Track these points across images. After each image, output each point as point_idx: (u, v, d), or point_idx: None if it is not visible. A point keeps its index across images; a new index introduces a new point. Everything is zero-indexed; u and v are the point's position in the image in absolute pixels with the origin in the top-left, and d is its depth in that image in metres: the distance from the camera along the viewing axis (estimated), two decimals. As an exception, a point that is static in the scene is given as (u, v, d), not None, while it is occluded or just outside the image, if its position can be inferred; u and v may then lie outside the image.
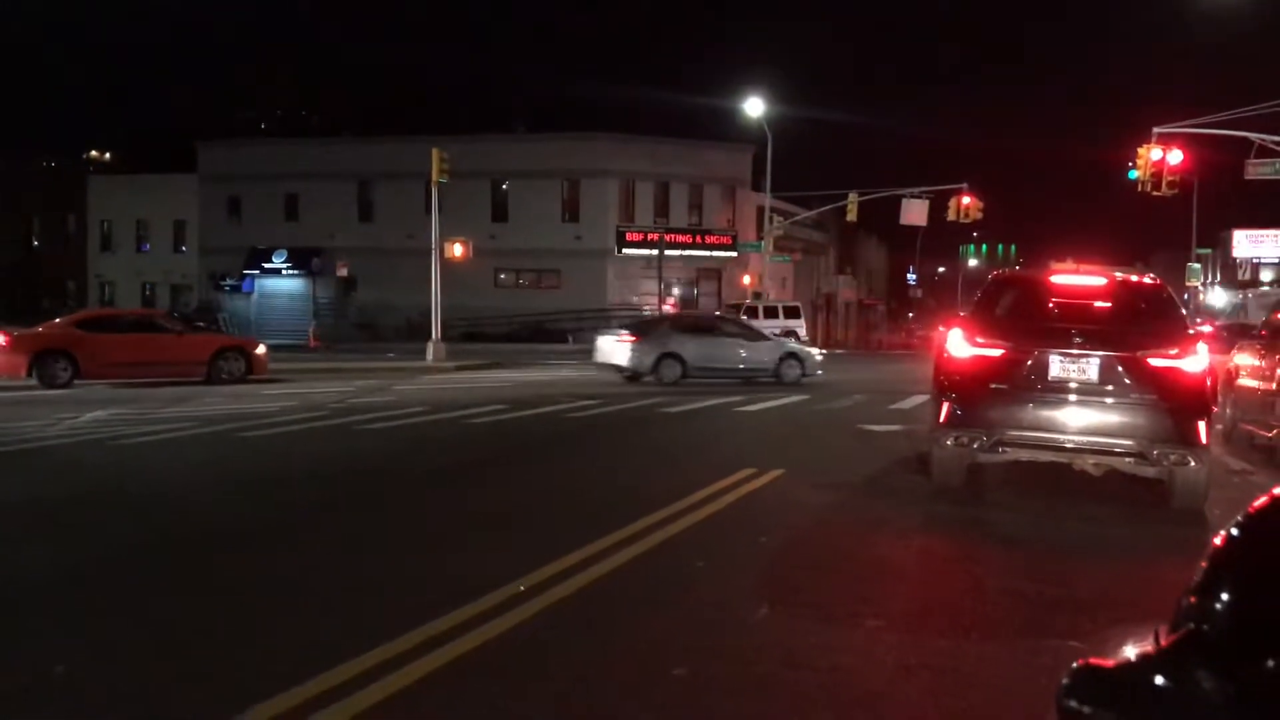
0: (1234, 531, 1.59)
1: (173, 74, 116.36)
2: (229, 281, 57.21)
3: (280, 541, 7.86)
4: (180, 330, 24.30)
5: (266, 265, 56.44)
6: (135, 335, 23.08)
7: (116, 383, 22.21)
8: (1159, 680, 1.38)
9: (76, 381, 21.71)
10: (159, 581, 6.68)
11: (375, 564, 7.11)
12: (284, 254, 55.96)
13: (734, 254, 53.58)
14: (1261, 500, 1.63)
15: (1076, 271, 10.29)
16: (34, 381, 21.47)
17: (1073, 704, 1.35)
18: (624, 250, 52.77)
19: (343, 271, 52.30)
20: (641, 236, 52.29)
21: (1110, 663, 1.42)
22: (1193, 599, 1.52)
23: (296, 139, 61.01)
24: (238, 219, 58.37)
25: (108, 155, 77.81)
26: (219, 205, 58.76)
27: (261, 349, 24.34)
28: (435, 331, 33.39)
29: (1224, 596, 1.49)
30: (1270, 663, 1.35)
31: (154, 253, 63.24)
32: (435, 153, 32.71)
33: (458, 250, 35.83)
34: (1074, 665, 1.40)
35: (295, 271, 56.10)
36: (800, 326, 41.22)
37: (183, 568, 7.06)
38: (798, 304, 46.78)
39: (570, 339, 48.52)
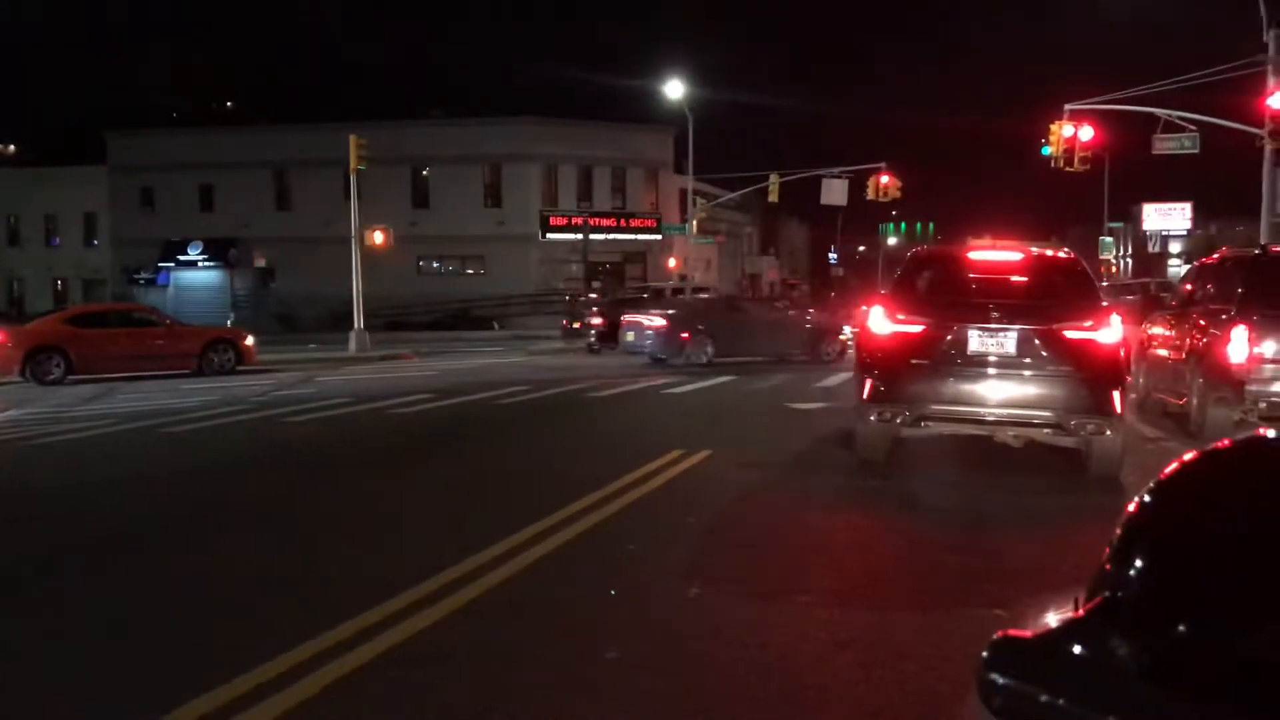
0: (1146, 499, 1.61)
1: (80, 64, 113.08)
2: (143, 275, 55.71)
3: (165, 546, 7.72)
4: (170, 324, 24.51)
5: (181, 257, 55.12)
6: (126, 329, 23.36)
7: (108, 377, 22.04)
8: (1075, 649, 1.39)
9: (70, 378, 21.78)
10: (99, 577, 6.53)
11: (290, 564, 7.01)
12: (199, 245, 54.68)
13: (658, 237, 53.63)
14: (1172, 467, 1.66)
15: (993, 247, 10.46)
16: (23, 379, 21.58)
17: (993, 677, 1.36)
18: (548, 235, 52.51)
19: (260, 262, 51.33)
20: (565, 221, 52.07)
21: (1028, 634, 1.43)
22: (1107, 566, 1.54)
23: (209, 128, 59.52)
24: (151, 210, 56.90)
25: (11, 148, 75.22)
26: (131, 197, 57.18)
27: (250, 340, 24.70)
28: (358, 321, 32.98)
29: (1137, 563, 1.51)
30: (1181, 628, 1.37)
31: (64, 247, 61.42)
32: (353, 139, 32.28)
33: (378, 238, 35.35)
34: (993, 638, 1.41)
35: (211, 263, 54.86)
36: None
37: (96, 566, 6.90)
38: (708, 287, 46.92)
39: (496, 325, 48.20)
